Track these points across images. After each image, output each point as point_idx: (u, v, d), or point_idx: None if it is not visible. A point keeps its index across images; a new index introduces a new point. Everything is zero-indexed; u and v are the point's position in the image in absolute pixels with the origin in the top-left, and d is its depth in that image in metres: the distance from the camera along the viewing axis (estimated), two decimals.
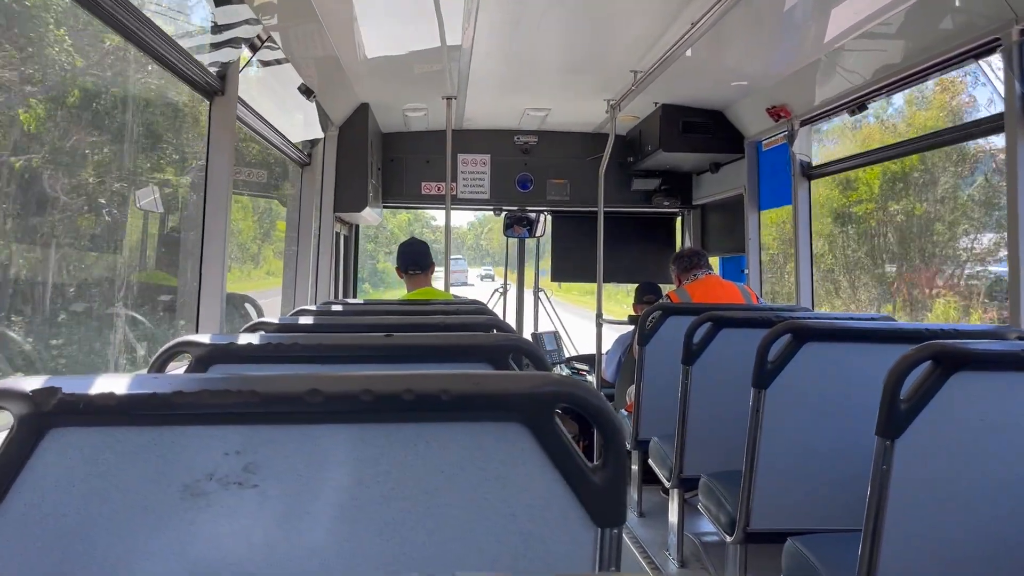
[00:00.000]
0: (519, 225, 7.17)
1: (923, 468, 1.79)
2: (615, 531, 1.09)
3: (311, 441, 1.03)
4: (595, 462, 1.09)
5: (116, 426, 0.99)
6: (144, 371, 2.12)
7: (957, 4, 3.18)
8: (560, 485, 1.07)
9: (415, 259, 4.33)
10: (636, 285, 6.18)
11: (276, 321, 2.28)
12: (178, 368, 1.87)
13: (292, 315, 2.72)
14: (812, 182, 5.12)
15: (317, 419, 1.02)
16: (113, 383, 0.99)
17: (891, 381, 1.76)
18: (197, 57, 2.94)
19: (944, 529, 1.83)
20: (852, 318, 3.25)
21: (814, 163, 5.08)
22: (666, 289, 5.78)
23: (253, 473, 1.02)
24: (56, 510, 0.99)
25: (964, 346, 1.76)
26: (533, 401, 1.04)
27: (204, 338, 1.74)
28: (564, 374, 6.59)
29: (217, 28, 3.04)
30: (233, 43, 3.12)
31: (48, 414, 0.97)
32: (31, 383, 0.98)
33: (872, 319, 3.18)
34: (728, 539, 2.75)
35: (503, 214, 7.18)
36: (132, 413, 0.98)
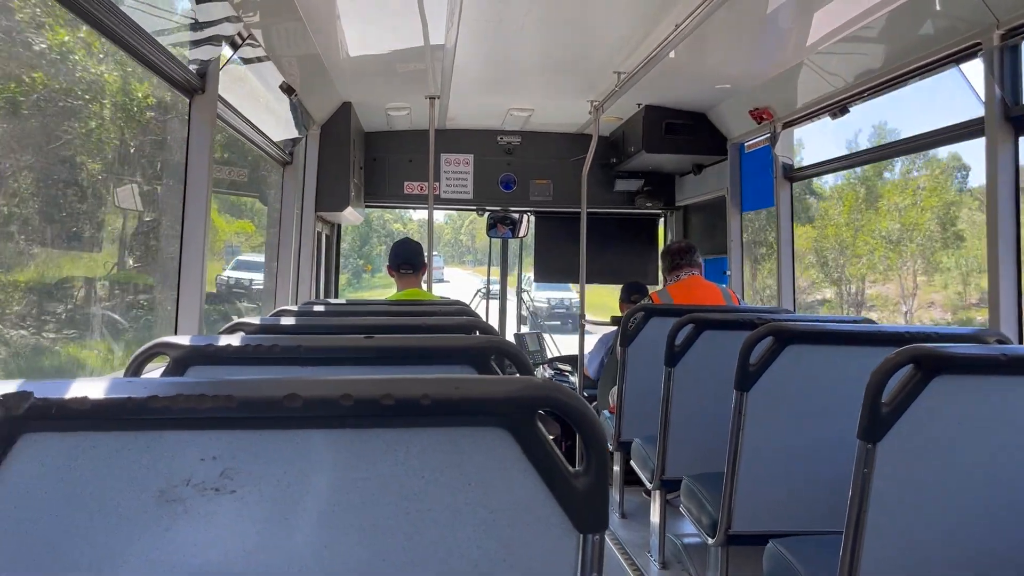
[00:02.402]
0: (503, 225, 7.17)
1: (904, 471, 1.80)
2: (597, 537, 1.08)
3: (289, 446, 1.02)
4: (577, 466, 1.08)
5: (90, 431, 0.97)
6: (121, 373, 2.09)
7: (938, 9, 3.21)
8: (542, 490, 1.06)
9: (408, 258, 4.30)
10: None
11: (256, 321, 2.25)
12: (156, 370, 1.85)
13: (272, 315, 2.70)
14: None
15: (295, 424, 1.01)
16: (87, 387, 0.97)
17: (872, 384, 1.76)
18: (177, 55, 2.91)
19: (925, 532, 1.84)
20: (834, 320, 3.26)
21: (796, 165, 5.10)
22: (652, 289, 5.80)
23: (231, 479, 1.00)
24: (29, 517, 0.96)
25: (945, 350, 1.76)
26: (515, 405, 1.03)
27: (182, 339, 1.72)
28: (547, 375, 6.61)
29: (197, 25, 3.01)
30: (213, 41, 3.09)
31: (20, 419, 0.95)
32: (2, 387, 0.96)
33: (854, 322, 3.19)
34: (710, 541, 2.75)
35: (486, 214, 7.17)
36: (106, 418, 0.96)
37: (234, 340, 1.74)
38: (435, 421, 1.03)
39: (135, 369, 1.73)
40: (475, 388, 1.05)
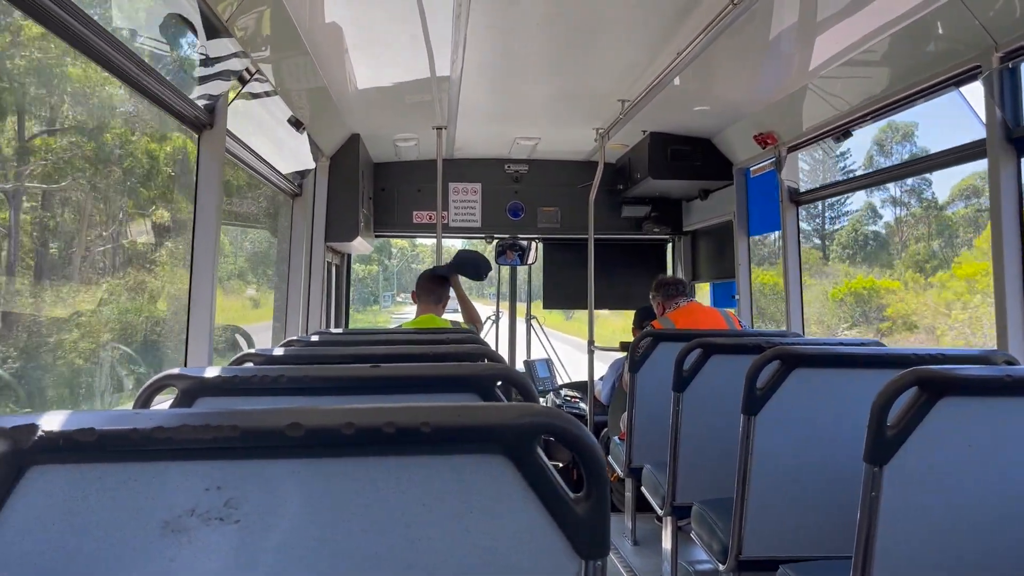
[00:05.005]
0: (511, 252, 7.19)
1: (912, 494, 1.79)
2: (599, 563, 1.08)
3: (292, 475, 1.03)
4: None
5: (96, 463, 0.99)
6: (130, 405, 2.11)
7: (938, 33, 3.23)
8: (543, 517, 1.06)
9: (429, 288, 4.55)
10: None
11: (265, 353, 2.27)
12: (165, 402, 1.87)
13: (281, 346, 2.72)
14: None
15: (298, 453, 1.02)
16: (92, 419, 0.99)
17: (877, 407, 1.76)
18: (185, 91, 2.96)
19: (935, 555, 1.82)
20: (841, 343, 3.25)
21: (801, 189, 5.12)
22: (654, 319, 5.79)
23: (234, 508, 1.01)
24: (35, 548, 0.98)
25: (949, 372, 1.76)
26: (515, 432, 1.04)
27: (190, 371, 1.73)
28: (557, 403, 6.58)
29: (205, 62, 3.06)
30: (222, 76, 3.14)
31: (27, 452, 0.96)
32: (9, 420, 0.97)
33: (861, 344, 3.18)
34: (721, 567, 2.73)
35: (495, 242, 7.20)
36: (111, 449, 0.98)
37: (242, 371, 1.76)
38: (436, 449, 1.04)
39: (144, 401, 1.75)
40: (475, 415, 1.06)
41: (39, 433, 0.96)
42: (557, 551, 1.07)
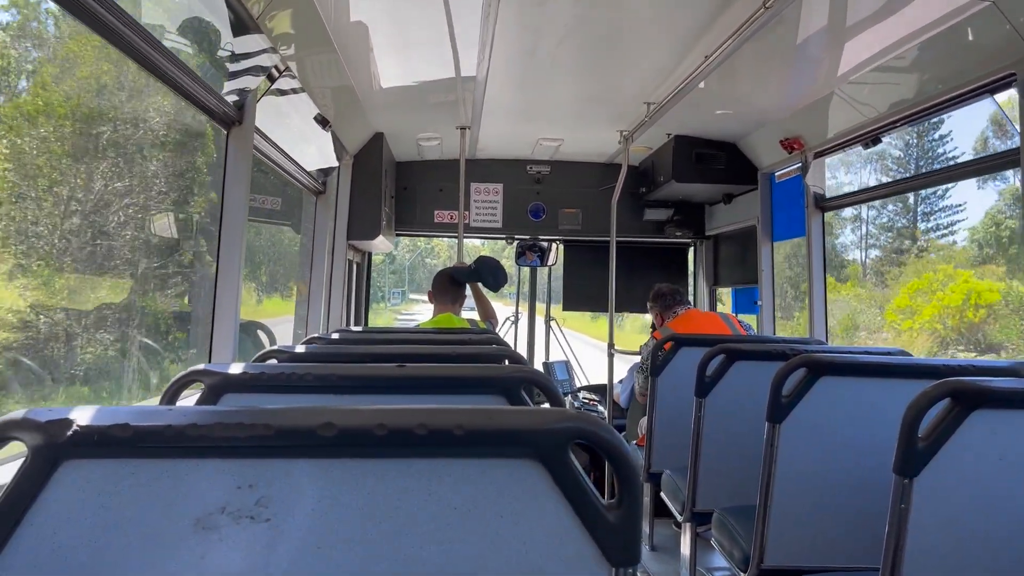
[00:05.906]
0: (531, 252, 7.17)
1: (942, 507, 1.76)
2: (630, 571, 1.07)
3: (324, 475, 1.02)
4: (607, 498, 1.07)
5: (129, 458, 0.99)
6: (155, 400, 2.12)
7: (971, 39, 3.19)
8: (574, 523, 1.05)
9: (446, 287, 4.64)
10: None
11: (288, 350, 2.27)
12: (190, 397, 1.87)
13: (304, 343, 2.72)
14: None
15: (330, 453, 1.02)
16: (126, 414, 0.99)
17: (909, 418, 1.73)
18: (215, 87, 2.97)
19: (965, 569, 1.79)
20: (867, 352, 3.22)
21: (828, 195, 5.07)
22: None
23: (265, 507, 1.01)
24: (68, 543, 0.98)
25: (984, 383, 1.73)
26: (548, 437, 1.03)
27: (216, 367, 1.74)
28: (575, 405, 6.57)
29: (234, 58, 3.07)
30: (251, 73, 3.15)
31: (62, 445, 0.96)
32: (45, 414, 0.98)
33: (887, 353, 3.15)
34: (742, 575, 2.71)
35: (515, 242, 7.19)
36: (146, 445, 0.98)
37: (267, 368, 1.76)
38: (468, 452, 1.04)
39: (171, 396, 1.75)
40: (509, 419, 1.05)
41: (74, 427, 0.97)
42: (587, 558, 1.06)
